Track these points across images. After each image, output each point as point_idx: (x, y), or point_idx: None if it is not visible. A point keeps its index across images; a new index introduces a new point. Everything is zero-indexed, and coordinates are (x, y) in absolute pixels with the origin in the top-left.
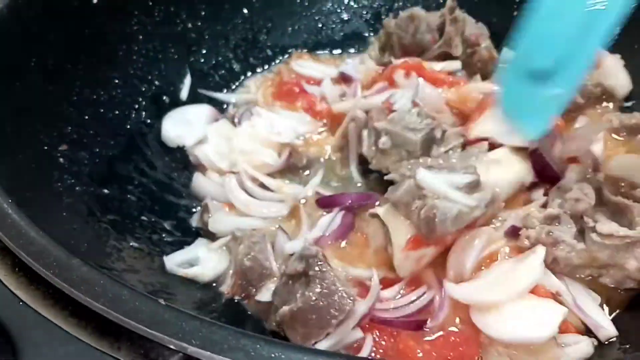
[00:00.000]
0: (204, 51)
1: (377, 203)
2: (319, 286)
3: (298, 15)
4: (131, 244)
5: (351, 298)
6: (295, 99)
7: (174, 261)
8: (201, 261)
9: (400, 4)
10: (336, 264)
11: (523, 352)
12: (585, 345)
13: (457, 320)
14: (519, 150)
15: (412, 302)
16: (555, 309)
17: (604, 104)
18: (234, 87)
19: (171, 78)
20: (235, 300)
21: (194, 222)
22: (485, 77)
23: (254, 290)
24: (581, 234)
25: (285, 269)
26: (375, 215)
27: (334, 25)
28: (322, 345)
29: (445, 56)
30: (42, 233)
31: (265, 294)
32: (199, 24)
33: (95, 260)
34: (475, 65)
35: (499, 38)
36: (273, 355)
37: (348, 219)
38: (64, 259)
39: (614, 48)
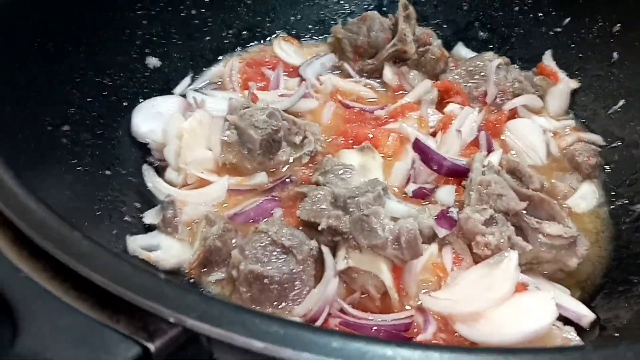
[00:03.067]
0: (208, 38)
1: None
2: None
3: (301, 5)
4: (132, 227)
5: None
6: (257, 79)
7: (137, 243)
8: (163, 247)
9: None
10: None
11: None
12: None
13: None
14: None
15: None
16: (542, 295)
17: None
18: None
19: (173, 63)
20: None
21: (149, 219)
22: (435, 77)
23: (213, 270)
24: (518, 229)
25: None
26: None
27: (336, 16)
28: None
29: (398, 57)
30: (44, 206)
31: (219, 276)
32: (203, 10)
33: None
34: (427, 64)
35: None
36: (271, 330)
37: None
38: (66, 232)
39: None
